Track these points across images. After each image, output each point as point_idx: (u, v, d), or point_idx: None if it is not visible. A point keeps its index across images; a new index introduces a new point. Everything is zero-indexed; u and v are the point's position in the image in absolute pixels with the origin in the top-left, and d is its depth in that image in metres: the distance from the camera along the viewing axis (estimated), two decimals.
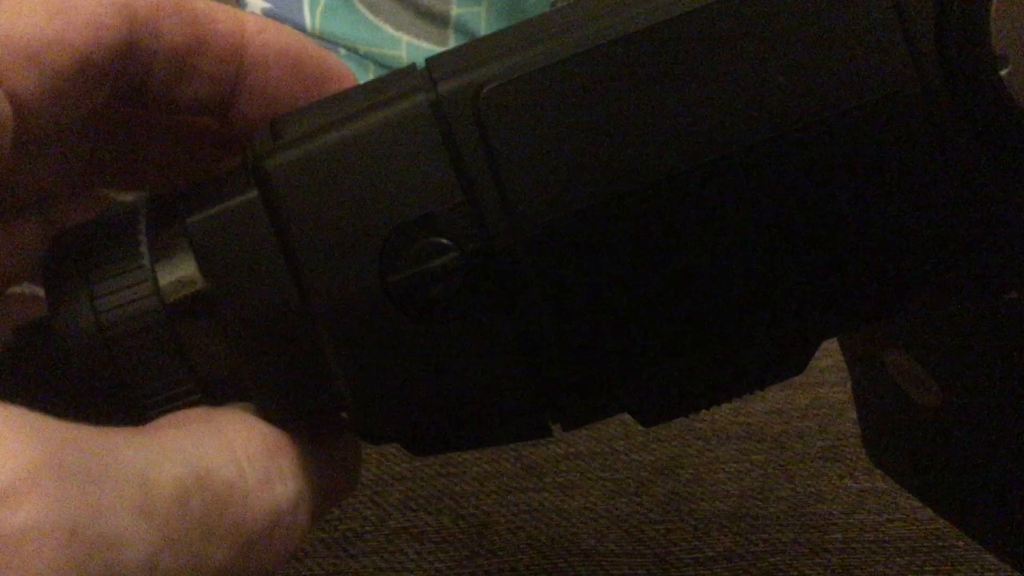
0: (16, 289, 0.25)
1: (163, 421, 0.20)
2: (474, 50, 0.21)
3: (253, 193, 0.21)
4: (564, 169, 0.20)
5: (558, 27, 0.20)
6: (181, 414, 0.21)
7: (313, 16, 0.70)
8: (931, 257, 0.21)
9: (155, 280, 0.21)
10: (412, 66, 0.21)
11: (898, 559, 0.38)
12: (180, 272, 0.21)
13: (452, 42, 0.81)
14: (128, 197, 0.26)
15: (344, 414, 0.22)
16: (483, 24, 0.83)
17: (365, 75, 0.70)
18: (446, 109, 0.20)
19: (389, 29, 0.78)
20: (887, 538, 0.39)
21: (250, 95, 0.23)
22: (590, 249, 0.20)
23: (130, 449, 0.17)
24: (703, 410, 0.24)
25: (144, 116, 0.25)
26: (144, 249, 0.21)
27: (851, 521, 0.40)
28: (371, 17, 0.77)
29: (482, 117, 0.20)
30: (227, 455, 0.19)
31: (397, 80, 0.21)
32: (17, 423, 0.16)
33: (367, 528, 0.40)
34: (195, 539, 0.18)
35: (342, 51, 0.69)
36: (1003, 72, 0.20)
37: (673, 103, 0.20)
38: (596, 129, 0.20)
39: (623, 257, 0.20)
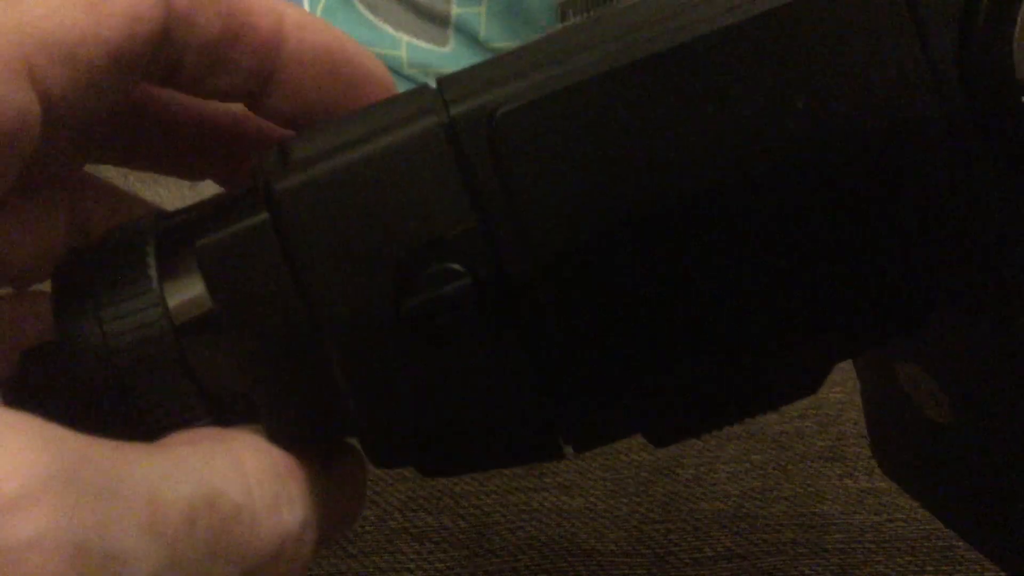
0: (40, 287, 0.25)
1: (174, 439, 0.20)
2: (488, 70, 0.21)
3: (263, 216, 0.20)
4: (579, 194, 0.20)
5: (573, 48, 0.20)
6: (192, 432, 0.20)
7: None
8: (950, 281, 0.21)
9: (164, 302, 0.21)
10: (425, 86, 0.21)
11: (898, 559, 0.38)
12: (189, 294, 0.21)
13: (452, 42, 0.81)
14: (150, 192, 0.26)
15: (354, 438, 0.22)
16: (483, 24, 0.83)
17: None
18: (459, 132, 0.20)
19: (389, 29, 0.78)
20: (887, 538, 0.39)
21: (284, 91, 0.23)
22: (604, 274, 0.20)
23: (141, 465, 0.17)
24: (715, 431, 0.24)
25: (171, 103, 0.25)
26: (153, 271, 0.21)
27: (851, 521, 0.40)
28: (371, 17, 0.77)
29: (496, 140, 0.20)
30: (237, 477, 0.19)
31: (409, 101, 0.21)
32: (29, 432, 0.16)
33: (367, 528, 0.40)
34: (201, 560, 0.18)
35: None
36: None
37: (689, 127, 0.20)
38: (612, 153, 0.20)
39: (638, 281, 0.20)
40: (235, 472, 0.19)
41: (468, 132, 0.20)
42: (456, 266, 0.20)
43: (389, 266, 0.20)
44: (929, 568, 0.38)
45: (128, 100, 0.23)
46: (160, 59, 0.22)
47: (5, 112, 0.19)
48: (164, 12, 0.21)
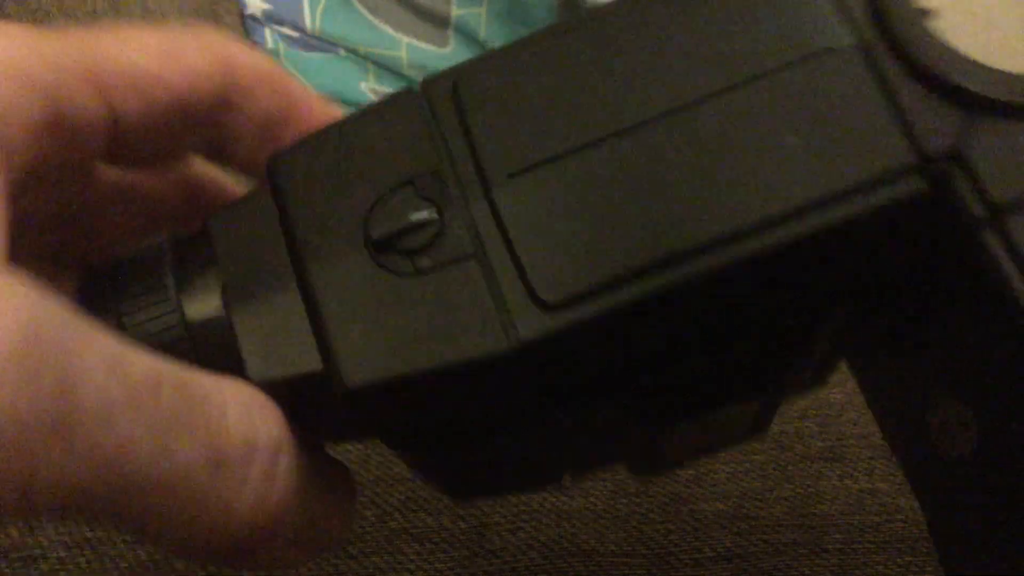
0: None
1: None
2: (464, 63, 0.23)
3: (266, 191, 0.22)
4: (533, 131, 0.21)
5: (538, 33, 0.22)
6: None
7: (313, 17, 0.70)
8: (889, 200, 0.21)
9: (182, 311, 0.22)
10: (410, 87, 0.23)
11: (898, 559, 0.38)
12: (204, 305, 0.22)
13: (452, 43, 0.80)
14: None
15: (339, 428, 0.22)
16: (483, 25, 0.83)
17: (365, 75, 0.70)
18: (433, 102, 0.22)
19: (389, 30, 0.78)
20: (887, 538, 0.39)
21: None
22: (555, 201, 0.21)
23: (112, 336, 0.17)
24: (707, 419, 0.24)
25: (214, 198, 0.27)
26: (170, 283, 0.22)
27: (851, 521, 0.40)
28: (371, 18, 0.77)
29: (460, 99, 0.22)
30: (212, 383, 0.19)
31: (397, 92, 0.23)
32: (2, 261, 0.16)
33: (367, 529, 0.40)
34: (161, 423, 0.18)
35: (342, 52, 0.69)
36: (934, 23, 0.20)
37: (622, 67, 0.21)
38: (558, 99, 0.22)
39: (584, 203, 0.21)
40: (210, 379, 0.20)
41: (439, 99, 0.22)
42: (422, 198, 0.21)
43: (364, 209, 0.21)
44: (929, 568, 0.38)
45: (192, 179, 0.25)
46: (221, 123, 0.24)
47: (71, 101, 0.21)
48: (226, 77, 0.23)
